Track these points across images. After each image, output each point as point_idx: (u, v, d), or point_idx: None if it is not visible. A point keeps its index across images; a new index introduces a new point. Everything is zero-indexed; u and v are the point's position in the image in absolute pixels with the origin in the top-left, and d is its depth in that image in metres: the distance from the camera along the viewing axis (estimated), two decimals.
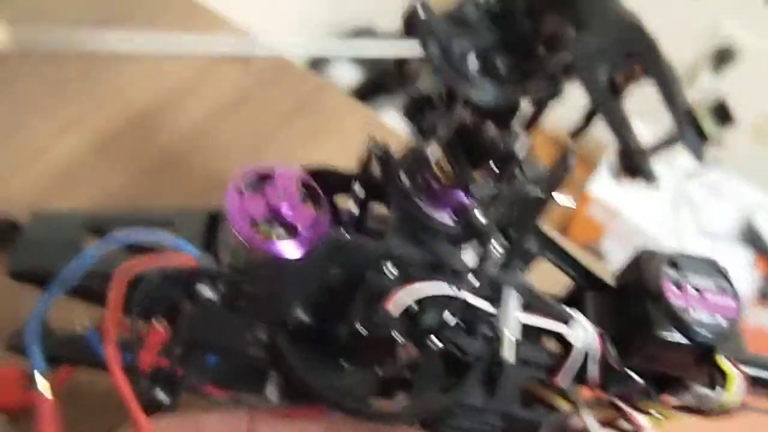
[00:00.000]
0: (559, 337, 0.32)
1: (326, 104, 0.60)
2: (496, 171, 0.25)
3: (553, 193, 0.26)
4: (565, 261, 0.33)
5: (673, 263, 0.31)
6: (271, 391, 0.37)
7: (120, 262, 0.30)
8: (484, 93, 0.20)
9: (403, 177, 0.26)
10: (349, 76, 1.38)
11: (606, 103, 0.18)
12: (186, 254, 0.31)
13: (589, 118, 0.24)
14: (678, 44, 0.24)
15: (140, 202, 0.51)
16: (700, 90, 1.45)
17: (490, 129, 0.24)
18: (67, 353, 0.36)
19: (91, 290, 0.32)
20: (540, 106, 0.22)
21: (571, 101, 0.24)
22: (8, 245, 0.47)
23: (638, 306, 0.31)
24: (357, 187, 0.29)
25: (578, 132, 0.24)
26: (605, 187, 1.33)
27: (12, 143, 0.52)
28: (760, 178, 1.47)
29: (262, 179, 0.31)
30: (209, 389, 0.37)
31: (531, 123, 0.22)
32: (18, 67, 0.56)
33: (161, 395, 0.35)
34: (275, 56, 0.62)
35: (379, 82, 1.40)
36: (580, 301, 0.33)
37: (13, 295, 0.45)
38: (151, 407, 0.35)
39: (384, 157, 0.27)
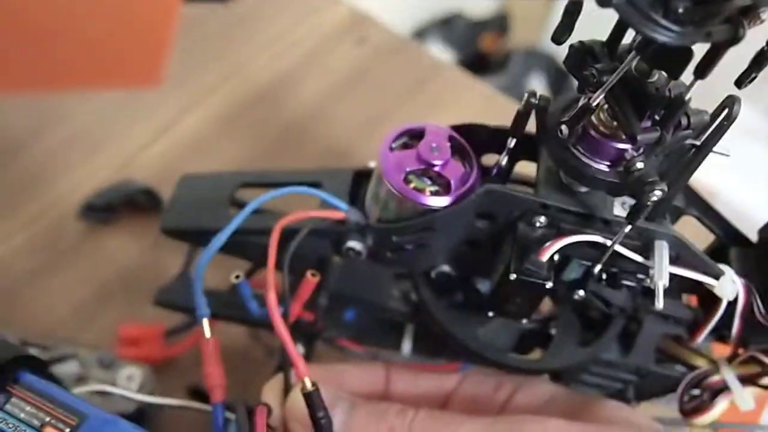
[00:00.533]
0: (702, 293, 0.32)
1: (442, 80, 0.61)
2: (660, 119, 0.25)
3: (714, 144, 0.26)
4: (710, 217, 0.33)
5: None
6: (406, 346, 0.38)
7: (267, 220, 0.32)
8: (665, 34, 0.21)
9: (563, 127, 0.27)
10: (441, 57, 1.39)
11: None
12: (335, 209, 0.33)
13: (757, 63, 0.24)
14: None
15: None
16: None
17: (659, 77, 0.24)
18: (217, 307, 0.38)
19: (245, 244, 0.34)
20: (717, 51, 0.22)
21: (738, 50, 0.24)
22: (148, 212, 0.50)
23: None
24: (510, 141, 0.29)
25: (744, 78, 0.24)
26: (703, 166, 1.30)
27: (141, 119, 0.55)
28: None
29: (414, 136, 0.32)
30: (346, 343, 0.39)
31: (706, 69, 0.23)
32: None
33: (299, 347, 0.37)
34: (391, 33, 0.64)
35: (470, 64, 1.40)
36: (724, 256, 0.33)
37: (154, 258, 0.49)
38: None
39: (543, 105, 0.27)
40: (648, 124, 0.26)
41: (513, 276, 0.29)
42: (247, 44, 0.60)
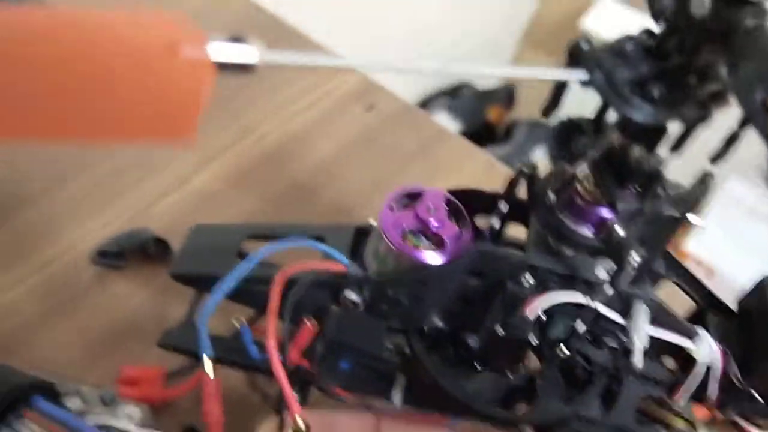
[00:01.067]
0: (680, 356, 0.34)
1: (445, 147, 0.64)
2: (640, 190, 0.28)
3: (688, 214, 0.29)
4: (690, 283, 0.35)
5: None
6: (396, 396, 0.40)
7: (271, 270, 0.34)
8: (641, 113, 0.23)
9: (550, 193, 0.29)
10: (447, 126, 1.43)
11: (763, 122, 0.20)
12: (336, 262, 0.35)
13: (729, 143, 0.26)
14: None
15: None
16: None
17: (637, 150, 0.27)
18: (219, 351, 0.40)
19: (249, 292, 0.36)
20: (688, 129, 0.25)
21: (713, 128, 0.27)
22: (158, 260, 0.52)
23: (763, 330, 0.33)
24: (502, 204, 0.32)
25: (718, 157, 0.27)
26: (703, 244, 1.32)
27: (157, 172, 0.58)
28: None
29: (412, 198, 0.34)
30: (340, 391, 0.40)
31: (678, 145, 0.25)
32: None
33: (294, 393, 0.39)
34: (398, 101, 0.67)
35: (476, 134, 1.44)
36: (702, 321, 0.35)
37: (162, 303, 0.50)
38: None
39: (532, 174, 0.30)
40: (629, 194, 0.28)
41: (500, 331, 0.31)
42: (261, 106, 0.64)
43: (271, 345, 0.32)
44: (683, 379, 0.34)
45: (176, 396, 0.46)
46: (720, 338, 0.33)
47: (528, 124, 1.47)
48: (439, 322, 0.35)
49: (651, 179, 0.27)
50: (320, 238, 0.37)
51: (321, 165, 0.61)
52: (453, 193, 0.34)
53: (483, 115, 1.54)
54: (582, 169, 0.28)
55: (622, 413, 0.36)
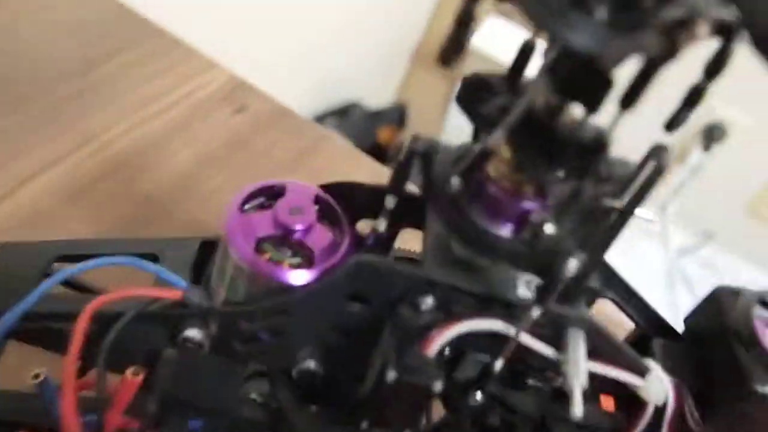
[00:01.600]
0: (620, 393, 0.27)
1: (328, 155, 0.55)
2: (574, 171, 0.20)
3: (637, 204, 0.21)
4: (630, 302, 0.27)
5: (765, 302, 0.26)
6: None
7: (76, 302, 0.25)
8: (584, 36, 0.15)
9: (453, 179, 0.21)
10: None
11: None
12: (170, 287, 0.25)
13: (690, 101, 0.19)
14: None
15: None
16: (690, 166, 1.43)
17: (571, 114, 0.19)
18: (17, 414, 0.30)
19: (46, 333, 0.26)
20: (649, 71, 0.17)
21: (667, 83, 0.19)
22: None
23: (722, 355, 0.26)
24: (389, 199, 0.23)
25: (677, 121, 0.19)
26: None
27: None
28: (754, 254, 1.44)
29: (273, 196, 0.26)
30: None
31: (634, 96, 0.17)
32: None
33: None
34: (274, 102, 0.58)
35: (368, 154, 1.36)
36: (646, 350, 0.27)
37: None
38: None
39: (428, 153, 0.21)
40: (559, 177, 0.20)
41: (391, 376, 0.22)
42: (105, 109, 0.53)
43: (68, 408, 0.22)
44: (623, 422, 0.27)
45: None
46: (670, 368, 0.26)
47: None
48: (311, 364, 0.26)
49: (591, 154, 0.19)
50: (152, 256, 0.28)
51: (178, 177, 0.51)
52: (325, 188, 0.26)
53: (374, 136, 1.47)
54: (495, 144, 0.20)
55: None
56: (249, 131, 0.55)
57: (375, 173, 0.55)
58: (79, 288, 0.32)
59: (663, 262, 1.42)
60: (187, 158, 0.52)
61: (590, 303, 0.27)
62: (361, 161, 0.56)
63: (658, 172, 0.20)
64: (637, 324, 0.28)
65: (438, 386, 0.23)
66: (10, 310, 0.25)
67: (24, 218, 0.46)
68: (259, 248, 0.24)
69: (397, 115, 1.48)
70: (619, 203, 0.21)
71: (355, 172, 0.54)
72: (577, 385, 0.22)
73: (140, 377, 0.25)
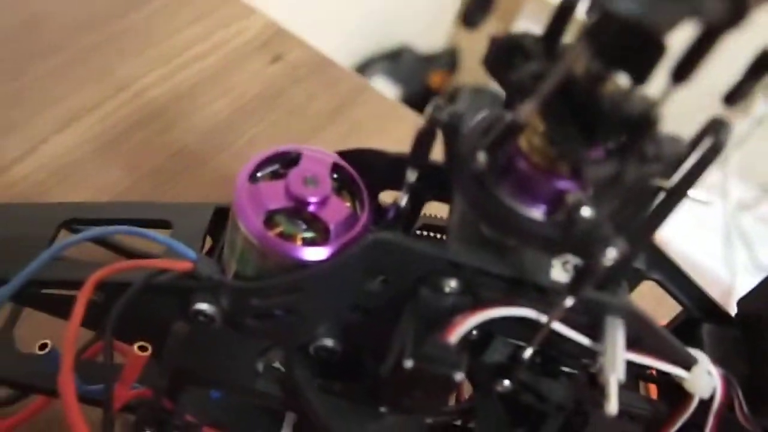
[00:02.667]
0: (664, 382, 0.25)
1: (368, 107, 0.53)
2: (617, 147, 0.17)
3: (691, 184, 0.19)
4: (678, 284, 0.25)
5: None
6: None
7: (84, 271, 0.23)
8: (634, 3, 0.13)
9: (480, 154, 0.18)
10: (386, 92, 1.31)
11: None
12: (180, 258, 0.24)
13: (756, 71, 0.16)
14: None
15: None
16: (754, 117, 1.36)
17: (615, 84, 0.16)
18: (31, 378, 0.29)
19: (55, 302, 0.25)
20: (707, 40, 0.14)
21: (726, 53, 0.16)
22: None
23: None
24: (410, 171, 0.21)
25: (738, 93, 0.17)
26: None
27: (8, 132, 0.46)
28: None
29: (288, 164, 0.24)
30: (209, 431, 0.30)
31: (688, 68, 0.15)
32: (26, 54, 0.50)
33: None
34: (312, 51, 0.55)
35: (416, 100, 1.33)
36: (694, 334, 0.25)
37: None
38: None
39: (452, 123, 0.19)
40: (600, 154, 0.18)
41: (409, 363, 0.20)
42: (136, 58, 0.51)
43: (65, 383, 0.21)
44: (668, 414, 0.25)
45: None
46: (717, 357, 0.23)
47: (472, 89, 1.37)
48: (329, 342, 0.25)
49: (637, 130, 0.17)
50: (165, 223, 0.27)
51: (211, 129, 0.49)
52: (344, 156, 0.24)
53: (425, 81, 1.43)
54: (527, 112, 0.17)
55: None
56: (286, 81, 0.53)
57: (414, 125, 0.52)
58: (106, 246, 0.31)
59: (721, 216, 1.36)
60: (221, 109, 0.50)
61: (634, 285, 0.24)
62: (403, 114, 0.54)
63: (715, 150, 0.18)
64: (684, 307, 0.26)
65: (459, 376, 0.21)
66: (15, 276, 0.24)
67: (54, 169, 0.45)
68: (270, 221, 0.22)
69: (449, 59, 1.44)
70: (668, 183, 0.19)
71: (395, 126, 0.52)
72: (614, 379, 0.20)
73: (147, 353, 0.24)
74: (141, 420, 0.28)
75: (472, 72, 1.43)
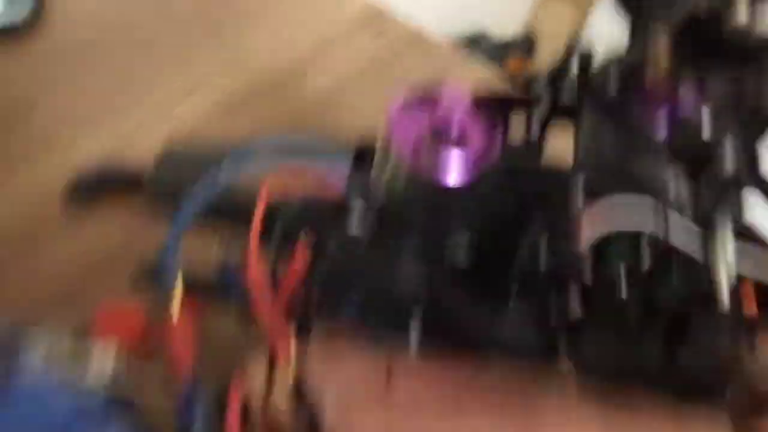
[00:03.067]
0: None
1: (461, 72, 0.56)
2: (739, 69, 0.20)
3: None
4: None
5: None
6: (415, 333, 0.33)
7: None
8: None
9: (612, 82, 0.22)
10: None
11: None
12: (336, 179, 0.28)
13: None
14: None
15: None
16: None
17: (740, 12, 0.20)
18: (198, 284, 0.33)
19: (230, 208, 0.29)
20: None
21: None
22: (136, 193, 0.46)
23: None
24: (543, 103, 0.24)
25: None
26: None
27: (138, 102, 0.51)
28: None
29: (429, 102, 0.27)
30: (348, 323, 0.34)
31: None
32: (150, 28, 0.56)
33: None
34: (409, 28, 0.59)
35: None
36: None
37: (142, 239, 0.44)
38: None
39: (587, 54, 0.23)
40: (722, 74, 0.21)
41: (542, 266, 0.24)
42: (256, 30, 0.56)
43: (254, 269, 0.26)
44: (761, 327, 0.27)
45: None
46: None
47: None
48: (465, 254, 0.28)
49: (759, 52, 0.20)
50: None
51: (323, 95, 0.53)
52: (478, 97, 0.28)
53: (502, 67, 1.45)
54: (658, 41, 0.20)
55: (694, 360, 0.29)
56: (386, 56, 0.56)
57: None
58: None
59: None
60: (325, 84, 0.54)
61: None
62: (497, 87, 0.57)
63: None
64: None
65: (587, 278, 0.24)
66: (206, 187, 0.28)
67: (186, 130, 0.50)
68: (418, 148, 0.26)
69: (525, 46, 1.46)
70: None
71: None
72: (724, 273, 0.23)
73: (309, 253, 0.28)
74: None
75: (548, 58, 1.44)
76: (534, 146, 0.27)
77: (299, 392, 0.24)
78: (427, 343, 0.32)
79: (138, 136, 0.50)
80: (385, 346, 0.32)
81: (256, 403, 0.26)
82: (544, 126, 0.26)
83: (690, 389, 0.28)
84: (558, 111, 0.25)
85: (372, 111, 0.52)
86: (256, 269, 0.25)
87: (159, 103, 0.51)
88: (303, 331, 0.32)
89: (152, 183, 0.32)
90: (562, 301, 0.26)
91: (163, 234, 0.39)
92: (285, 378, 0.25)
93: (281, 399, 0.25)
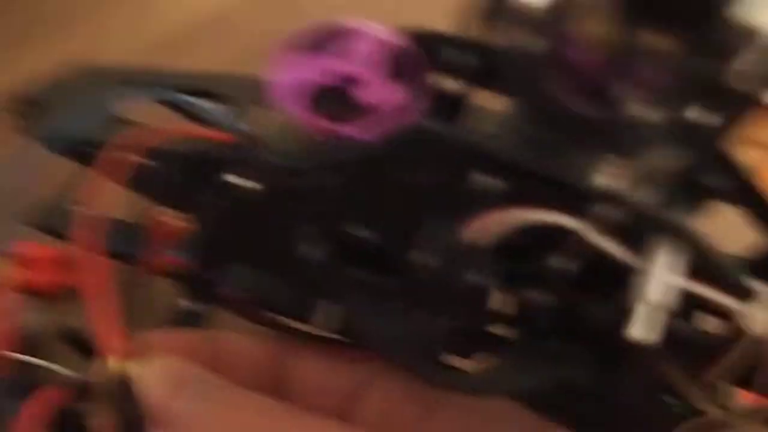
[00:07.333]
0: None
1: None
2: (688, 39, 0.15)
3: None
4: (760, 208, 0.22)
5: None
6: (320, 319, 0.29)
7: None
8: None
9: (535, 39, 0.17)
10: None
11: None
12: (220, 129, 0.23)
13: None
14: None
15: None
16: None
17: None
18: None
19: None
20: None
21: None
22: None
23: None
24: (469, 55, 0.19)
25: None
26: None
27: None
28: None
29: (337, 41, 0.22)
30: (242, 302, 0.30)
31: None
32: None
33: (186, 302, 0.29)
34: None
35: None
36: None
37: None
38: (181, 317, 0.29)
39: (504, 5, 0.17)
40: (662, 43, 0.15)
41: (430, 261, 0.19)
42: None
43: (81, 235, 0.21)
44: (723, 347, 0.23)
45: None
46: None
47: None
48: (365, 231, 0.24)
49: (711, 21, 0.15)
50: (204, 94, 0.26)
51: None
52: (403, 35, 0.22)
53: None
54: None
55: (627, 382, 0.25)
56: None
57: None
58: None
59: None
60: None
61: (703, 206, 0.22)
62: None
63: None
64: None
65: (483, 280, 0.20)
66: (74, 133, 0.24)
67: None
68: (313, 98, 0.21)
69: None
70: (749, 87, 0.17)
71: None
72: (642, 301, 0.19)
73: (181, 224, 0.24)
74: (180, 290, 0.28)
75: None
76: (460, 106, 0.22)
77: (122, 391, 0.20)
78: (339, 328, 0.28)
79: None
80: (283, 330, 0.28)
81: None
82: (472, 84, 0.21)
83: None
84: (488, 70, 0.20)
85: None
86: (85, 232, 0.21)
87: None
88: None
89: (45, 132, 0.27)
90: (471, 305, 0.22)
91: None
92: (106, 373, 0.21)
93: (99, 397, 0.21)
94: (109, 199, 0.26)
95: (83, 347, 0.29)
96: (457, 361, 0.26)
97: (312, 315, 0.28)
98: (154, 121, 0.26)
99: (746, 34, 0.15)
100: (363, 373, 0.26)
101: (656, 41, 0.15)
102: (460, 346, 0.26)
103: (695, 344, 0.23)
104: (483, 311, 0.24)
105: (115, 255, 0.29)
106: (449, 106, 0.21)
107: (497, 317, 0.25)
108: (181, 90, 0.26)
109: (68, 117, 0.27)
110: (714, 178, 0.21)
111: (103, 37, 0.46)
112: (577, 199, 0.19)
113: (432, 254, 0.19)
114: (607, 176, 0.19)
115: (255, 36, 0.46)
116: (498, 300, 0.24)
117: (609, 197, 0.18)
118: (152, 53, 0.45)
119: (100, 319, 0.20)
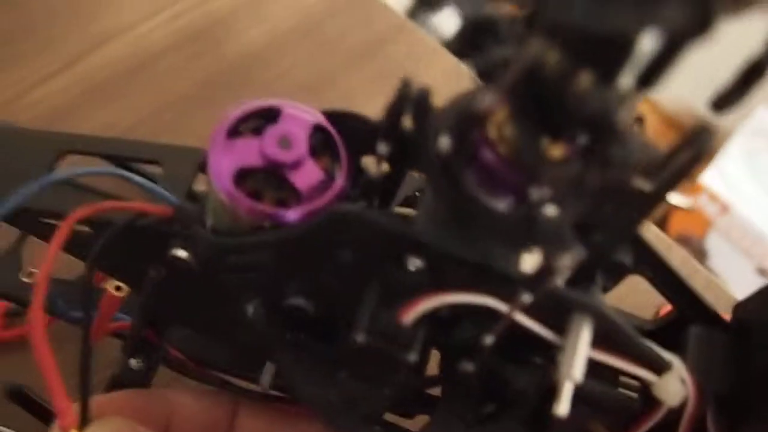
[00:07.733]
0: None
1: (404, 47, 0.51)
2: (585, 145, 0.16)
3: (668, 191, 0.17)
4: (667, 282, 0.24)
5: None
6: (266, 379, 0.30)
7: (69, 203, 0.24)
8: (586, 11, 0.12)
9: (444, 139, 0.18)
10: (449, 24, 1.27)
11: None
12: (162, 202, 0.24)
13: (748, 80, 0.15)
14: None
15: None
16: None
17: (583, 79, 0.15)
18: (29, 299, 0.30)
19: (45, 229, 0.26)
20: (672, 49, 0.13)
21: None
22: None
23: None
24: (382, 145, 0.20)
25: (727, 100, 0.15)
26: (721, 176, 1.18)
27: (45, 50, 0.47)
28: None
29: (270, 119, 0.23)
30: (191, 364, 0.31)
31: (653, 75, 0.14)
32: None
33: (133, 362, 0.29)
34: None
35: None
36: (678, 336, 0.24)
37: None
38: (124, 376, 0.29)
39: (419, 104, 0.18)
40: (569, 152, 0.16)
41: (361, 338, 0.20)
42: None
43: (35, 315, 0.22)
44: (641, 413, 0.24)
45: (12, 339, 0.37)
46: (699, 364, 0.22)
47: None
48: (300, 301, 0.25)
49: (602, 130, 0.16)
50: (156, 163, 0.26)
51: (243, 57, 0.49)
52: (329, 116, 0.23)
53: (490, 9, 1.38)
54: (494, 100, 0.16)
55: None
56: (322, 15, 0.51)
57: (453, 72, 0.51)
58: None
59: None
60: (254, 39, 0.49)
61: (618, 280, 0.23)
62: (441, 57, 0.52)
63: (695, 160, 0.16)
64: (674, 305, 0.24)
65: (412, 357, 0.20)
66: (5, 201, 0.24)
67: (84, 89, 0.46)
68: (241, 179, 0.22)
69: None
70: (647, 187, 0.18)
71: (432, 71, 0.50)
72: (567, 379, 0.20)
73: (122, 294, 0.25)
74: (126, 351, 0.29)
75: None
76: (385, 187, 0.23)
77: None
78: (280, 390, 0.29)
79: (31, 96, 0.45)
80: (232, 390, 0.29)
81: None
82: (394, 165, 0.22)
83: None
84: (407, 152, 0.21)
85: (297, 76, 0.48)
86: (39, 298, 0.22)
87: (60, 54, 0.47)
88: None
89: None
90: (395, 376, 0.23)
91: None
92: None
93: None
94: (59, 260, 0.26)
95: (31, 407, 0.30)
96: (401, 421, 0.27)
97: (258, 374, 0.29)
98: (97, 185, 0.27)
99: (642, 145, 0.16)
100: (311, 429, 0.27)
101: (557, 148, 0.16)
102: (402, 408, 0.27)
103: (618, 407, 0.24)
104: (419, 380, 0.25)
105: (60, 315, 0.29)
106: (380, 185, 0.22)
107: (433, 381, 0.26)
108: (127, 158, 0.27)
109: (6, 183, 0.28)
110: (627, 257, 0.22)
111: None
112: (501, 280, 0.20)
113: (367, 333, 0.20)
114: (527, 261, 0.19)
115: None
116: (432, 365, 0.25)
117: (529, 283, 0.19)
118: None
119: (50, 383, 0.21)
